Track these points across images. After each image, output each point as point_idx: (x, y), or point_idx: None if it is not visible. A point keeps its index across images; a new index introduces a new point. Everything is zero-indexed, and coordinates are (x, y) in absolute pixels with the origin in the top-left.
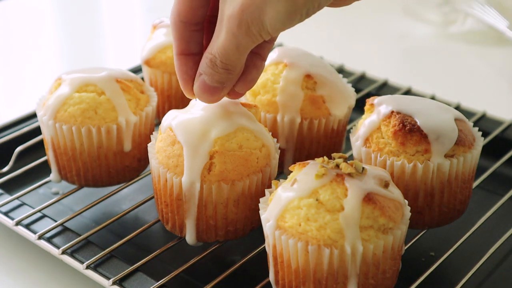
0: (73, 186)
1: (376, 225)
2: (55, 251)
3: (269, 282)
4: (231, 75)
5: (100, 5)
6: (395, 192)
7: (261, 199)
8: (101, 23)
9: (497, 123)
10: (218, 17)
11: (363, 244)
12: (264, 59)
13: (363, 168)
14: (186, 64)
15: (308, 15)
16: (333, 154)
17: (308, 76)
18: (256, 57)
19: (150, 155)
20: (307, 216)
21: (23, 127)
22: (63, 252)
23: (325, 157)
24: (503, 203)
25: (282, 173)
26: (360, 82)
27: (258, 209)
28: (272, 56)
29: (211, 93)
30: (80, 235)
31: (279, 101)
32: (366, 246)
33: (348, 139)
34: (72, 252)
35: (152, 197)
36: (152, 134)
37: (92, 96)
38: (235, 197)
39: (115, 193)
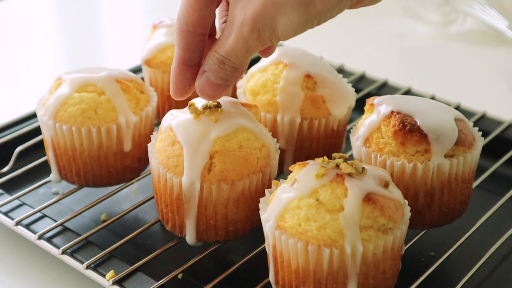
0: (73, 186)
1: (376, 225)
2: (55, 251)
3: (269, 282)
4: (237, 73)
5: (100, 5)
6: (395, 192)
7: (261, 199)
8: (101, 23)
9: (497, 123)
10: (228, 19)
11: (363, 244)
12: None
13: (363, 168)
14: (184, 75)
15: (319, 24)
16: (333, 154)
17: (308, 76)
18: None
19: (150, 155)
20: (307, 216)
21: (23, 127)
22: (63, 252)
23: (325, 157)
24: (503, 203)
25: (282, 173)
26: (360, 82)
27: (258, 209)
28: (272, 56)
29: (214, 90)
30: (80, 235)
31: (279, 101)
32: (366, 246)
33: (348, 139)
34: (72, 252)
35: (152, 197)
36: (152, 134)
37: (92, 96)
38: (235, 197)
39: (115, 193)
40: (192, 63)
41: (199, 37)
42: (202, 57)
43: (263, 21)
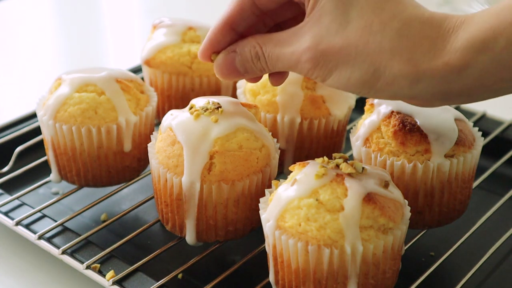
0: (73, 186)
1: (376, 225)
2: (55, 251)
3: (269, 282)
4: (262, 73)
5: (100, 5)
6: (395, 192)
7: (261, 199)
8: (101, 23)
9: (497, 123)
10: (296, 29)
11: (363, 244)
12: None
13: (363, 168)
14: (223, 36)
15: (369, 96)
16: (333, 154)
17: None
18: None
19: (150, 155)
20: (307, 216)
21: (23, 127)
22: (63, 252)
23: (325, 157)
24: (503, 203)
25: (282, 173)
26: None
27: (258, 209)
28: None
29: (231, 73)
30: (80, 235)
31: (279, 101)
32: (366, 246)
33: (348, 139)
34: (72, 252)
35: (152, 197)
36: (152, 134)
37: (92, 96)
38: (235, 197)
39: (115, 193)
40: (236, 30)
41: (256, 11)
42: (247, 30)
43: (328, 62)
